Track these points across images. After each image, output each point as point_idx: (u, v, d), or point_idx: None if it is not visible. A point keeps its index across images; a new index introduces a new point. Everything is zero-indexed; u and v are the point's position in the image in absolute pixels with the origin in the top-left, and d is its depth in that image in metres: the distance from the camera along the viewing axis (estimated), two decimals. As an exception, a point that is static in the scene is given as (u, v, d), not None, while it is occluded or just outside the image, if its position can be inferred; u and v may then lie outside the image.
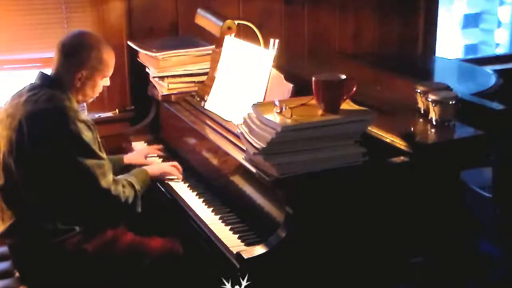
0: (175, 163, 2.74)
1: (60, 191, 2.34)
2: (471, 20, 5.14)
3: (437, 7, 4.01)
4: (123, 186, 2.42)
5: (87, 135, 2.33)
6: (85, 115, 2.53)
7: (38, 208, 2.34)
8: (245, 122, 2.07)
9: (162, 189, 2.66)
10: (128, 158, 2.80)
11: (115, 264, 2.40)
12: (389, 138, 2.17)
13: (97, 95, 2.56)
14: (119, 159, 2.75)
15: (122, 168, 2.69)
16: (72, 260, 2.37)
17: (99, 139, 2.43)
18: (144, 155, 2.87)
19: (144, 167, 2.67)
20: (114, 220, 2.51)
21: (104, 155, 2.41)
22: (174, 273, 2.43)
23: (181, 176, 2.69)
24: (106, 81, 2.55)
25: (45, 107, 2.35)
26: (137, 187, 2.48)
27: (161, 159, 2.90)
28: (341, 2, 3.73)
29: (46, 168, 2.32)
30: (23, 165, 2.35)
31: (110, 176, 2.39)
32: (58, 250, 2.35)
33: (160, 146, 2.98)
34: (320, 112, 2.00)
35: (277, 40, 2.52)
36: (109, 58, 2.50)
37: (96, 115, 3.23)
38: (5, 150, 2.39)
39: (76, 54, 2.43)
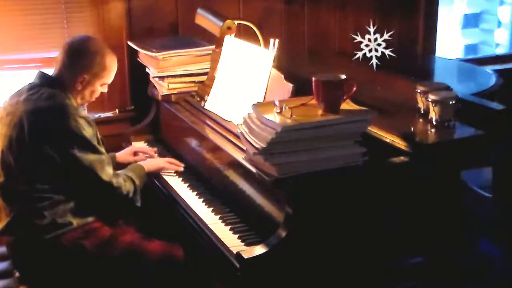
0: (172, 159, 2.77)
1: (61, 186, 2.36)
2: (471, 20, 5.14)
3: (437, 7, 4.02)
4: (124, 180, 2.46)
5: (87, 131, 2.36)
6: (85, 112, 2.56)
7: (37, 204, 2.35)
8: (245, 122, 2.07)
9: (162, 189, 2.66)
10: (118, 157, 2.83)
11: (113, 264, 2.40)
12: (389, 138, 2.17)
13: (94, 99, 2.59)
14: (111, 156, 2.77)
15: (115, 166, 2.70)
16: (70, 257, 2.37)
17: (98, 135, 2.46)
18: (133, 152, 2.89)
19: (141, 163, 2.70)
20: (116, 213, 2.52)
21: (103, 150, 2.45)
22: (173, 276, 2.43)
23: (180, 169, 2.71)
24: (105, 88, 2.59)
25: (46, 105, 2.37)
26: (137, 182, 2.52)
27: (157, 154, 2.92)
28: (341, 2, 3.73)
29: (47, 164, 2.33)
30: (23, 162, 2.36)
31: (111, 170, 2.43)
32: (56, 245, 2.36)
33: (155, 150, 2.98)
34: (320, 112, 2.00)
35: (277, 40, 2.52)
36: (112, 66, 2.54)
37: (96, 115, 3.23)
38: (4, 148, 2.40)
39: (81, 58, 2.47)
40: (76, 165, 2.34)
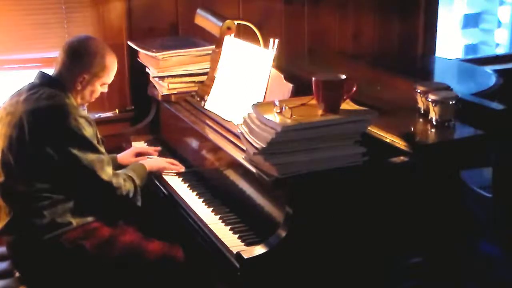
0: (173, 160, 2.77)
1: (61, 186, 2.36)
2: (471, 20, 5.14)
3: (437, 7, 4.02)
4: (124, 180, 2.46)
5: (88, 130, 2.36)
6: (85, 112, 2.56)
7: (36, 203, 2.35)
8: (245, 122, 2.07)
9: (162, 189, 2.66)
10: (120, 159, 2.82)
11: (113, 264, 2.40)
12: (389, 138, 2.17)
13: (94, 99, 2.59)
14: (112, 158, 2.76)
15: (117, 167, 2.70)
16: (69, 257, 2.37)
17: (98, 135, 2.46)
18: (135, 153, 2.87)
19: (143, 162, 2.69)
20: (116, 213, 2.52)
21: (103, 150, 2.45)
22: (173, 276, 2.43)
23: (181, 169, 2.71)
24: (105, 88, 2.59)
25: (46, 104, 2.37)
26: (137, 181, 2.51)
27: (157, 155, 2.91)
28: (341, 2, 3.73)
29: (47, 163, 2.33)
30: (23, 161, 2.37)
31: (110, 170, 2.43)
32: (55, 245, 2.36)
33: (159, 148, 2.98)
34: (320, 112, 2.00)
35: (277, 40, 2.52)
36: (112, 66, 2.54)
37: (96, 115, 3.23)
38: (4, 147, 2.40)
39: (81, 58, 2.47)
40: (76, 165, 2.34)
